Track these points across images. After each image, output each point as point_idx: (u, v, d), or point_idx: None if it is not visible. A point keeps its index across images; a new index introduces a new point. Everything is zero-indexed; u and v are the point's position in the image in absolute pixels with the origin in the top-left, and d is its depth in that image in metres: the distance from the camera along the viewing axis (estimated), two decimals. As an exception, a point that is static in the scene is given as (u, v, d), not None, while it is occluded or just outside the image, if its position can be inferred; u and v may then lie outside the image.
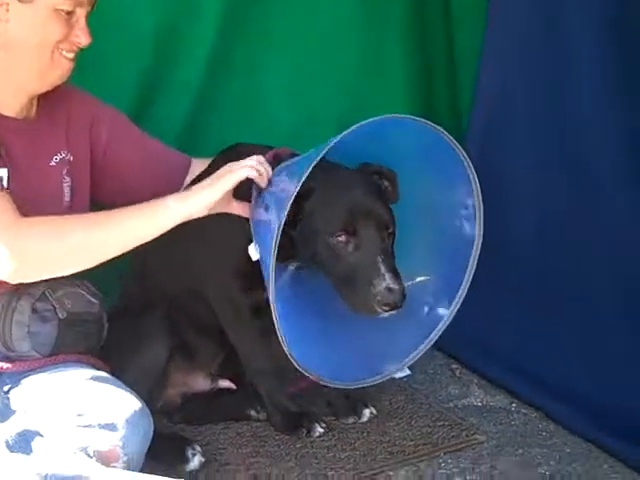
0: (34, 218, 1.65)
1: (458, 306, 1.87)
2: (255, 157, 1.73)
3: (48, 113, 1.84)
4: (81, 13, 1.77)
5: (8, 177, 1.74)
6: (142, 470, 1.62)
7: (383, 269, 1.68)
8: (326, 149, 1.61)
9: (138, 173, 2.02)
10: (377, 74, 2.62)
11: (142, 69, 2.28)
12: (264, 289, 1.92)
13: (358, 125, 1.60)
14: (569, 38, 2.27)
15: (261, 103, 2.45)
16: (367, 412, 2.12)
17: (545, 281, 2.41)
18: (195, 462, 1.88)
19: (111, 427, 1.57)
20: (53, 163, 1.84)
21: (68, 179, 1.87)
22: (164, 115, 2.34)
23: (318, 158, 1.60)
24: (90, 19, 1.81)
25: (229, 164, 1.72)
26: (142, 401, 1.72)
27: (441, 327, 1.89)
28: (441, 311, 1.90)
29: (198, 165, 2.09)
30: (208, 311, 2.05)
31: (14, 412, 1.59)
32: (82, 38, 1.77)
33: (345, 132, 1.60)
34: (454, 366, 2.42)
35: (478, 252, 1.83)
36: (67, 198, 1.87)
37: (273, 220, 1.65)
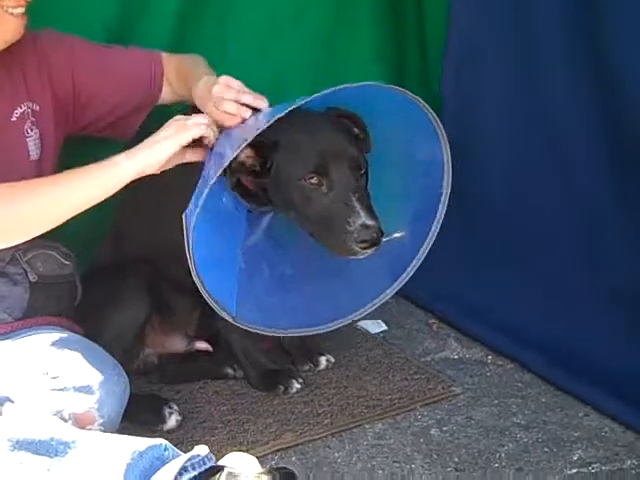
0: None
1: (425, 253, 1.84)
2: (205, 116, 1.69)
3: (3, 67, 1.76)
4: None
5: None
6: (119, 431, 1.62)
7: (358, 207, 1.65)
8: (290, 108, 1.58)
9: (113, 91, 1.93)
10: (345, 23, 2.58)
11: (108, 19, 2.23)
12: None
13: (323, 92, 1.57)
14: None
15: (230, 65, 2.40)
16: (323, 360, 2.15)
17: (517, 234, 2.42)
18: (172, 421, 1.88)
19: (86, 389, 1.56)
20: (14, 118, 1.77)
21: (33, 133, 1.80)
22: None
23: (280, 114, 1.57)
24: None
25: (179, 118, 1.66)
26: (117, 362, 1.72)
27: (409, 271, 1.87)
28: (409, 259, 1.88)
29: (172, 60, 2.01)
30: (184, 271, 2.03)
31: (-16, 378, 1.57)
32: None
33: (313, 96, 1.57)
34: (431, 321, 2.43)
35: (446, 200, 1.81)
36: (34, 155, 1.81)
37: (224, 154, 1.62)
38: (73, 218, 2.04)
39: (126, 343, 2.00)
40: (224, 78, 1.73)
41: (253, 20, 2.42)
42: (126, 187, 2.05)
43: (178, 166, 1.84)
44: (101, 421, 1.57)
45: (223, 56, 2.34)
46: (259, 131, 1.58)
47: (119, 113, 1.94)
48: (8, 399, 1.48)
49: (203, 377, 2.13)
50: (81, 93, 1.88)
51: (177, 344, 2.20)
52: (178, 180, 1.96)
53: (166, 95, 1.98)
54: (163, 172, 1.89)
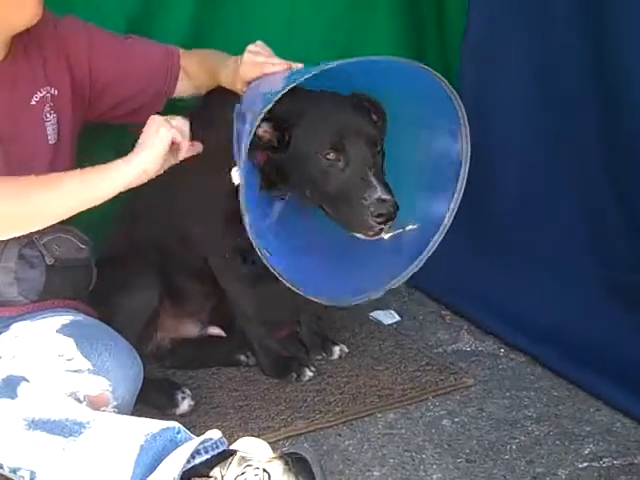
0: None
1: (442, 235, 1.84)
2: (181, 120, 1.70)
3: (23, 51, 1.77)
4: None
5: None
6: (132, 414, 1.63)
7: (374, 181, 1.67)
8: (310, 74, 1.59)
9: (128, 80, 1.94)
10: (365, 17, 2.58)
11: (129, 10, 2.23)
12: None
13: (344, 61, 1.58)
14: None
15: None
16: (337, 349, 2.16)
17: (531, 227, 2.43)
18: (185, 405, 1.90)
19: (101, 372, 1.58)
20: (34, 102, 1.78)
21: (51, 117, 1.81)
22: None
23: (302, 78, 1.59)
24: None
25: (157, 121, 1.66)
26: (132, 346, 1.73)
27: (425, 255, 1.86)
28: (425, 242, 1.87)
29: (194, 55, 2.03)
30: (198, 257, 2.05)
31: (1, 358, 1.58)
32: None
33: (331, 64, 1.58)
34: (444, 312, 2.43)
35: (464, 182, 1.81)
36: (51, 140, 1.82)
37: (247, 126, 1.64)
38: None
39: (139, 327, 2.02)
40: (253, 45, 1.77)
41: (273, 11, 2.42)
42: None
43: (199, 161, 1.86)
44: (115, 403, 1.59)
45: (243, 45, 2.35)
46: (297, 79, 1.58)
47: (134, 102, 1.95)
48: (24, 379, 1.49)
49: (216, 363, 2.14)
50: (98, 80, 1.89)
51: (190, 329, 2.21)
52: (188, 166, 1.97)
53: (183, 88, 2.00)
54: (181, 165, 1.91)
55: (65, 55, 1.84)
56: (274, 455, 1.46)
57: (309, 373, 2.04)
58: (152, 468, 1.39)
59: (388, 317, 2.40)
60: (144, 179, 1.65)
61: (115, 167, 1.63)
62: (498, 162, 2.48)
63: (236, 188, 1.65)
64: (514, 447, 1.77)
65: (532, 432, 1.82)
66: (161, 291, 2.04)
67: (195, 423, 1.85)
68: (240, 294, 2.04)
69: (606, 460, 1.72)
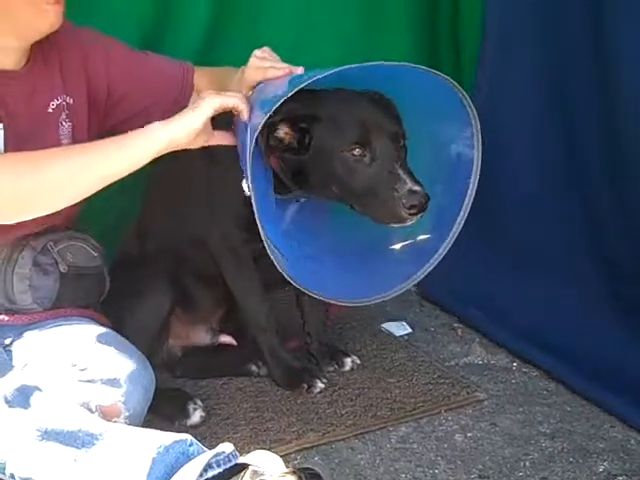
0: (7, 154, 1.58)
1: (454, 237, 1.82)
2: (237, 93, 1.70)
3: (42, 59, 1.77)
4: None
5: (4, 128, 1.70)
6: (143, 425, 1.62)
7: (403, 174, 1.67)
8: (318, 76, 1.58)
9: (143, 93, 1.93)
10: (380, 26, 2.57)
11: (143, 19, 2.24)
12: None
13: (354, 65, 1.58)
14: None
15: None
16: (349, 361, 2.14)
17: (544, 239, 2.41)
18: (196, 417, 1.89)
19: (114, 382, 1.57)
20: (50, 110, 1.77)
21: (67, 125, 1.80)
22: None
23: (307, 82, 1.58)
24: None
25: (210, 92, 1.66)
26: (144, 356, 1.73)
27: (437, 258, 1.85)
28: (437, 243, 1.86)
29: (204, 73, 2.02)
30: (210, 263, 2.04)
31: (14, 367, 1.58)
32: None
33: (340, 67, 1.57)
34: (456, 325, 2.41)
35: (477, 180, 1.79)
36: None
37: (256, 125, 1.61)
38: (102, 206, 2.07)
39: (150, 335, 2.01)
40: (259, 50, 1.76)
41: (286, 17, 2.42)
42: (151, 178, 2.07)
43: (202, 159, 1.85)
44: (127, 414, 1.58)
45: (255, 40, 2.34)
46: (304, 83, 1.57)
47: (148, 116, 1.93)
48: (37, 388, 1.48)
49: (227, 373, 2.13)
50: (114, 91, 1.89)
51: (201, 337, 2.20)
52: (202, 172, 1.97)
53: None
54: (188, 163, 1.90)
55: (84, 65, 1.83)
56: (287, 470, 1.44)
57: (320, 385, 2.03)
58: (165, 481, 1.38)
59: (400, 329, 2.39)
60: (173, 145, 1.61)
61: (148, 133, 1.59)
62: (509, 178, 2.47)
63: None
64: (528, 464, 1.75)
65: (546, 448, 1.81)
66: (173, 299, 2.04)
67: (205, 434, 1.84)
68: (252, 302, 2.03)
69: (621, 478, 1.70)
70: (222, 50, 2.32)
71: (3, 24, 1.65)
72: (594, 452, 1.79)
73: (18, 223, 1.66)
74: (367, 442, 1.84)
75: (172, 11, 2.30)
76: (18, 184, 1.54)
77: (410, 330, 2.38)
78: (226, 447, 1.44)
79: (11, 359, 1.61)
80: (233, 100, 1.62)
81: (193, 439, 1.46)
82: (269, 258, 1.96)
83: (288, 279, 1.70)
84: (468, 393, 2.03)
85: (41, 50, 1.75)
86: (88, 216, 1.99)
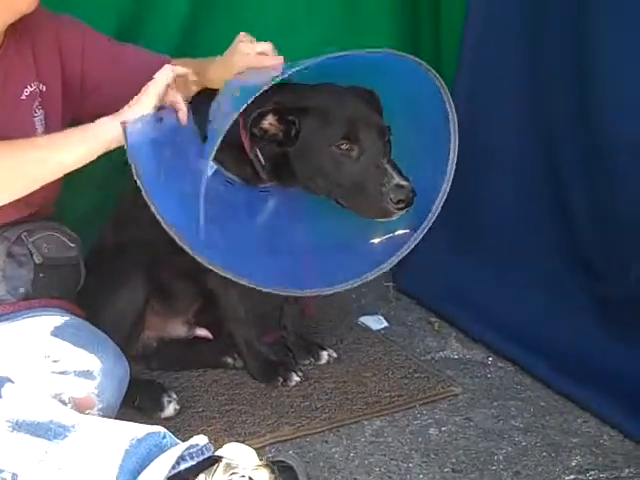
0: None
1: (426, 230, 1.83)
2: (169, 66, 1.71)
3: (15, 45, 1.74)
4: None
5: None
6: (117, 417, 1.62)
7: (390, 169, 1.70)
8: (309, 62, 1.60)
9: (118, 84, 1.88)
10: (360, 10, 2.57)
11: (121, 10, 2.22)
12: None
13: (332, 55, 1.59)
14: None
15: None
16: (325, 354, 2.14)
17: (522, 235, 2.42)
18: (170, 409, 1.88)
19: (87, 374, 1.56)
20: (24, 97, 1.75)
21: (40, 112, 1.78)
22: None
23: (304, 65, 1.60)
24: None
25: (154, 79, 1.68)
26: (118, 348, 1.72)
27: (410, 244, 1.86)
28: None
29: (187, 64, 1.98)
30: (188, 256, 2.02)
31: (-15, 358, 1.57)
32: None
33: (318, 59, 1.59)
34: (432, 319, 2.42)
35: (452, 172, 1.80)
36: (39, 135, 1.77)
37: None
38: (76, 198, 2.05)
39: (125, 326, 1.99)
40: (242, 34, 1.79)
41: (265, 15, 2.41)
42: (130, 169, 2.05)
43: None
44: (100, 406, 1.57)
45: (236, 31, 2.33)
46: (290, 71, 1.59)
47: (122, 105, 1.92)
48: (8, 380, 1.47)
49: (202, 365, 2.12)
50: (89, 79, 1.87)
51: (177, 329, 2.19)
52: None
53: None
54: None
55: (58, 52, 1.81)
56: (260, 463, 1.44)
57: (296, 378, 2.03)
58: (136, 473, 1.38)
59: (376, 323, 2.39)
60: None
61: (100, 124, 1.62)
62: (490, 168, 2.47)
63: None
64: (501, 457, 1.76)
65: (519, 443, 1.82)
66: (149, 290, 2.02)
67: (180, 427, 1.83)
68: (233, 296, 2.02)
69: (592, 473, 1.71)
70: (201, 41, 2.31)
71: None
72: (567, 447, 1.80)
73: None
74: (342, 436, 1.85)
75: (151, 2, 2.28)
76: None
77: (386, 324, 2.39)
78: (199, 439, 1.44)
79: (-18, 351, 1.59)
80: (168, 73, 1.66)
81: (166, 432, 1.46)
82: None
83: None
84: (443, 387, 2.04)
85: (14, 36, 1.73)
86: (64, 205, 1.98)
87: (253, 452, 1.50)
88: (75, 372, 1.55)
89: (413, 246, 1.83)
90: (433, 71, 1.69)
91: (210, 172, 1.63)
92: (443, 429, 1.87)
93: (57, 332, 1.63)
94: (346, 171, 1.73)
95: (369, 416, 1.91)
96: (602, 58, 2.09)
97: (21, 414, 1.41)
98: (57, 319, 1.69)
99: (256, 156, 1.82)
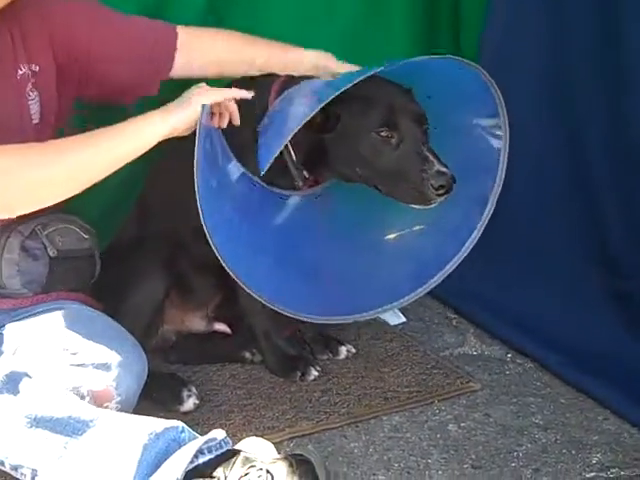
0: (13, 146, 1.57)
1: (474, 243, 1.90)
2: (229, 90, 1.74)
3: (5, 27, 1.70)
4: None
5: None
6: (136, 410, 1.62)
7: (430, 156, 1.72)
8: (365, 75, 1.63)
9: (125, 60, 1.86)
10: (378, 15, 2.55)
11: (142, 6, 2.21)
12: None
13: (400, 62, 1.65)
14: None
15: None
16: (343, 349, 2.14)
17: (540, 231, 2.40)
18: (189, 403, 1.87)
19: (105, 367, 1.56)
20: (17, 77, 1.72)
21: (34, 95, 1.74)
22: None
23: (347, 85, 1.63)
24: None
25: (202, 85, 1.69)
26: (137, 341, 1.72)
27: (441, 275, 1.87)
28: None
29: (188, 35, 1.94)
30: (209, 251, 2.02)
31: (4, 352, 1.57)
32: None
33: (379, 68, 1.64)
34: (450, 315, 2.40)
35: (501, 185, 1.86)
36: (35, 119, 1.75)
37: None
38: (97, 191, 2.05)
39: (144, 319, 2.00)
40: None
41: (284, 12, 2.39)
42: (155, 163, 2.06)
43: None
44: (118, 399, 1.57)
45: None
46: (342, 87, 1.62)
47: (125, 81, 1.89)
48: (26, 374, 1.47)
49: (221, 359, 2.12)
50: (90, 56, 1.81)
51: (196, 323, 2.19)
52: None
53: (182, 70, 1.91)
54: (191, 151, 1.88)
55: (48, 30, 1.76)
56: (278, 456, 1.44)
57: (314, 372, 2.02)
58: (155, 467, 1.37)
59: (395, 318, 2.38)
60: (173, 134, 1.65)
61: (150, 121, 1.62)
62: (510, 169, 2.45)
63: None
64: (521, 454, 1.75)
65: (539, 440, 1.80)
66: (169, 284, 2.02)
67: (198, 421, 1.83)
68: None
69: (613, 470, 1.70)
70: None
71: None
72: (587, 444, 1.79)
73: None
74: (360, 431, 1.84)
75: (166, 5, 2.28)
76: (26, 177, 1.55)
77: (405, 319, 2.37)
78: (218, 433, 1.44)
79: (1, 344, 1.60)
80: (233, 93, 1.69)
81: (185, 426, 1.45)
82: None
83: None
84: (462, 383, 2.03)
85: (4, 19, 1.69)
86: (84, 201, 1.98)
87: (271, 446, 1.50)
88: (93, 365, 1.55)
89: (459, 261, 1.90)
90: (488, 76, 1.72)
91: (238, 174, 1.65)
92: (462, 425, 1.86)
93: (74, 325, 1.63)
94: (386, 158, 1.75)
95: (388, 411, 1.91)
96: (630, 58, 2.07)
97: (39, 410, 1.41)
98: (74, 312, 1.69)
99: (289, 153, 1.82)
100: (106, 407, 1.54)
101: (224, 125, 1.74)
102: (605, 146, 2.21)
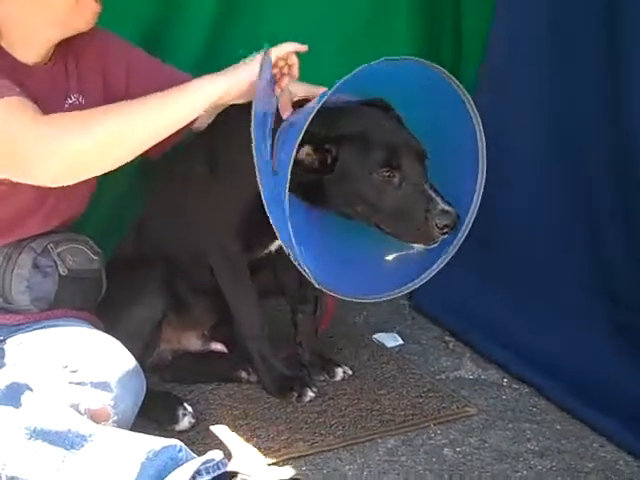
0: (55, 114, 1.56)
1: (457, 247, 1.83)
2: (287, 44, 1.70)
3: (62, 56, 1.78)
4: None
5: None
6: (131, 428, 1.61)
7: (433, 195, 1.69)
8: (330, 92, 1.59)
9: None
10: (382, 30, 2.58)
11: (144, 20, 2.23)
12: (264, 248, 1.98)
13: (361, 67, 1.59)
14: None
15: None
16: (340, 371, 2.13)
17: (539, 261, 2.41)
18: (185, 422, 1.87)
19: (104, 386, 1.56)
20: (66, 106, 1.77)
21: None
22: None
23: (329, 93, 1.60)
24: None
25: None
26: (136, 360, 1.71)
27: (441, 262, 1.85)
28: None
29: None
30: (206, 271, 2.03)
31: (5, 365, 1.56)
32: None
33: (349, 75, 1.58)
34: (448, 339, 2.41)
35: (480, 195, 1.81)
36: None
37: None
38: (94, 211, 2.06)
39: (143, 339, 1.99)
40: None
41: (289, 18, 2.41)
42: (153, 183, 2.06)
43: (203, 166, 1.86)
44: (115, 418, 1.57)
45: (258, 42, 2.33)
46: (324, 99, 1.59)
47: None
48: (28, 387, 1.47)
49: (217, 379, 2.11)
50: (130, 96, 1.86)
51: (192, 343, 2.19)
52: (202, 180, 1.97)
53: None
54: (188, 171, 1.89)
55: (102, 66, 1.84)
56: (275, 479, 1.44)
57: (310, 394, 2.02)
58: (152, 486, 1.37)
59: (391, 340, 2.38)
60: (225, 100, 1.64)
61: (198, 85, 1.61)
62: (509, 191, 2.46)
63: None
64: (516, 481, 1.75)
65: (535, 466, 1.80)
66: (167, 303, 2.03)
67: (194, 440, 1.82)
68: (247, 314, 2.02)
69: (609, 499, 1.70)
70: (226, 44, 2.31)
71: (41, 15, 1.68)
72: (583, 471, 1.78)
73: (19, 226, 1.66)
74: (355, 453, 1.83)
75: (174, 12, 2.29)
76: (71, 143, 1.52)
77: (402, 342, 2.38)
78: (215, 454, 1.43)
79: (3, 357, 1.60)
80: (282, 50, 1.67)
81: (182, 445, 1.45)
82: (265, 267, 1.96)
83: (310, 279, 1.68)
84: (458, 408, 2.02)
85: (61, 48, 1.76)
86: (83, 218, 1.99)
87: (268, 468, 1.50)
88: (92, 383, 1.55)
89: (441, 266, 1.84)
90: (457, 82, 1.71)
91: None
92: (458, 450, 1.86)
93: (76, 342, 1.63)
94: (388, 198, 1.71)
95: (383, 434, 1.90)
96: (632, 87, 2.09)
97: (39, 422, 1.41)
98: (77, 329, 1.69)
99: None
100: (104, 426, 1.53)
101: (284, 85, 1.70)
102: (608, 177, 2.21)
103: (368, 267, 1.85)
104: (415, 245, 1.76)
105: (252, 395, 2.05)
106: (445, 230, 1.68)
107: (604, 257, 2.25)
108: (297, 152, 1.59)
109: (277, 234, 1.61)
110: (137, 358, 1.75)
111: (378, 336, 2.40)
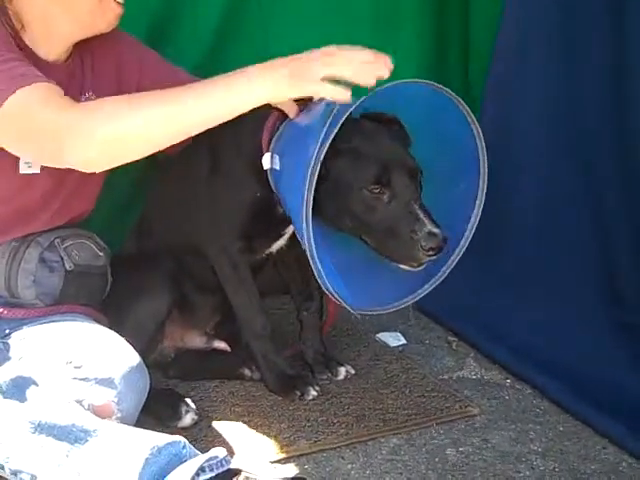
0: (91, 101, 1.57)
1: (459, 256, 1.86)
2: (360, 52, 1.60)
3: (79, 54, 1.80)
4: None
5: None
6: (135, 424, 1.61)
7: (422, 215, 1.67)
8: (352, 108, 1.59)
9: None
10: (390, 36, 2.57)
11: (152, 15, 2.23)
12: (265, 248, 1.99)
13: (382, 87, 1.58)
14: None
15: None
16: (343, 370, 2.13)
17: (543, 261, 2.41)
18: (187, 419, 1.87)
19: (108, 382, 1.56)
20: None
21: None
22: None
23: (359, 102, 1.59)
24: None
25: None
26: (140, 357, 1.72)
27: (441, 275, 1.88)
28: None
29: None
30: (208, 272, 2.03)
31: (10, 358, 1.57)
32: None
33: (371, 93, 1.59)
34: (451, 338, 2.40)
35: (481, 206, 1.82)
36: None
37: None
38: (103, 206, 2.06)
39: (146, 335, 2.00)
40: None
41: (296, 19, 2.41)
42: (156, 183, 2.07)
43: (205, 166, 1.89)
44: (119, 415, 1.57)
45: (265, 49, 2.34)
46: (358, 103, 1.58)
47: None
48: (33, 381, 1.47)
49: (219, 376, 2.11)
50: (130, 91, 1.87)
51: (195, 340, 2.19)
52: (204, 180, 1.97)
53: None
54: (191, 170, 1.90)
55: (116, 68, 1.86)
56: (278, 477, 1.44)
57: (313, 392, 2.02)
58: (156, 482, 1.37)
59: (394, 339, 2.38)
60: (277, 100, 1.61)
61: (251, 88, 1.53)
62: (514, 193, 2.47)
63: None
64: (519, 481, 1.75)
65: (537, 467, 1.80)
66: (172, 300, 2.03)
67: (196, 437, 1.82)
68: (250, 313, 2.01)
69: (611, 500, 1.70)
70: (231, 44, 2.32)
71: (64, 14, 1.70)
72: (585, 472, 1.78)
73: (27, 223, 1.66)
74: (358, 452, 1.83)
75: (181, 9, 2.29)
76: (110, 127, 1.50)
77: (405, 342, 2.38)
78: (219, 452, 1.43)
79: (8, 350, 1.60)
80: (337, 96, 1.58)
81: (186, 442, 1.45)
82: (268, 266, 1.96)
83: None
84: (460, 407, 2.02)
85: (79, 47, 1.79)
86: (93, 216, 1.99)
87: (271, 466, 1.50)
88: (96, 379, 1.55)
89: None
90: (463, 104, 1.71)
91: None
92: (460, 450, 1.86)
93: (80, 338, 1.64)
94: (377, 214, 1.69)
95: (386, 433, 1.90)
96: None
97: (43, 416, 1.41)
98: (82, 325, 1.70)
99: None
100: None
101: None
102: (614, 177, 2.22)
103: (368, 278, 1.85)
104: (401, 266, 1.73)
105: (255, 393, 2.05)
106: (430, 253, 1.65)
107: (609, 258, 2.25)
108: None
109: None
110: (140, 354, 1.75)
111: (381, 336, 2.40)
